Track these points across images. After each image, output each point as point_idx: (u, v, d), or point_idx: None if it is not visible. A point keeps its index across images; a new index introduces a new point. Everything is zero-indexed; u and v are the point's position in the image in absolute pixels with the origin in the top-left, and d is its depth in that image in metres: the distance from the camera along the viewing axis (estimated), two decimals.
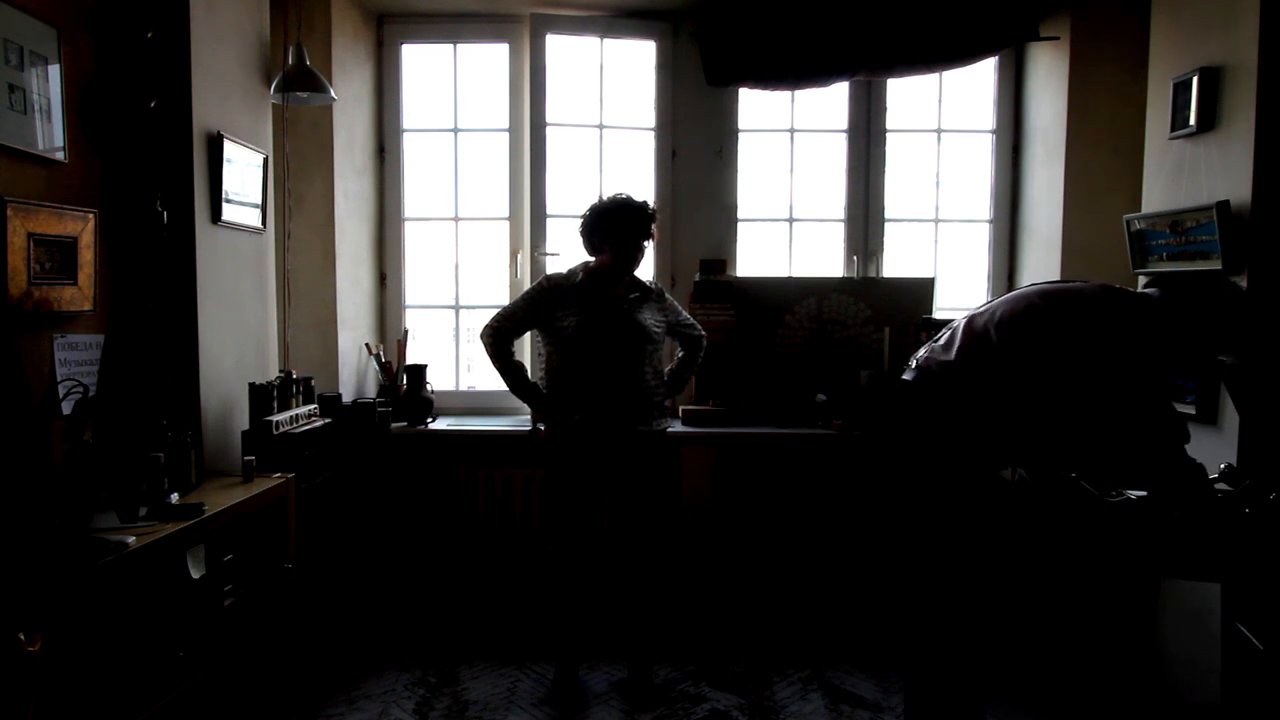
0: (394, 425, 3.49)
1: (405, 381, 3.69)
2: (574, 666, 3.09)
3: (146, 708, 1.96)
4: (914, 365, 2.40)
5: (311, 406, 3.01)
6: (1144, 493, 2.29)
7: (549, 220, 3.81)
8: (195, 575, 2.20)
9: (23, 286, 2.05)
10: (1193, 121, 2.70)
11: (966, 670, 2.35)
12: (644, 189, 3.83)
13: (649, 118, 3.86)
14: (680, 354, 3.18)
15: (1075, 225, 3.50)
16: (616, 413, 2.91)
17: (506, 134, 3.89)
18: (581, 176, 3.83)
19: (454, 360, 4.05)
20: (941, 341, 2.36)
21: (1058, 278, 3.47)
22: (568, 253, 3.75)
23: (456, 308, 4.02)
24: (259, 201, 2.94)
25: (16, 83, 2.05)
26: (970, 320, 2.33)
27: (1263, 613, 2.07)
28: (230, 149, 2.70)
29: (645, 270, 3.35)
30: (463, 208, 3.96)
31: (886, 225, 3.93)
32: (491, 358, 2.99)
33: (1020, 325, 2.22)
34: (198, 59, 2.56)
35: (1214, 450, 2.55)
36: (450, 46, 3.89)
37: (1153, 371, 2.19)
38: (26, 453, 2.05)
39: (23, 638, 1.55)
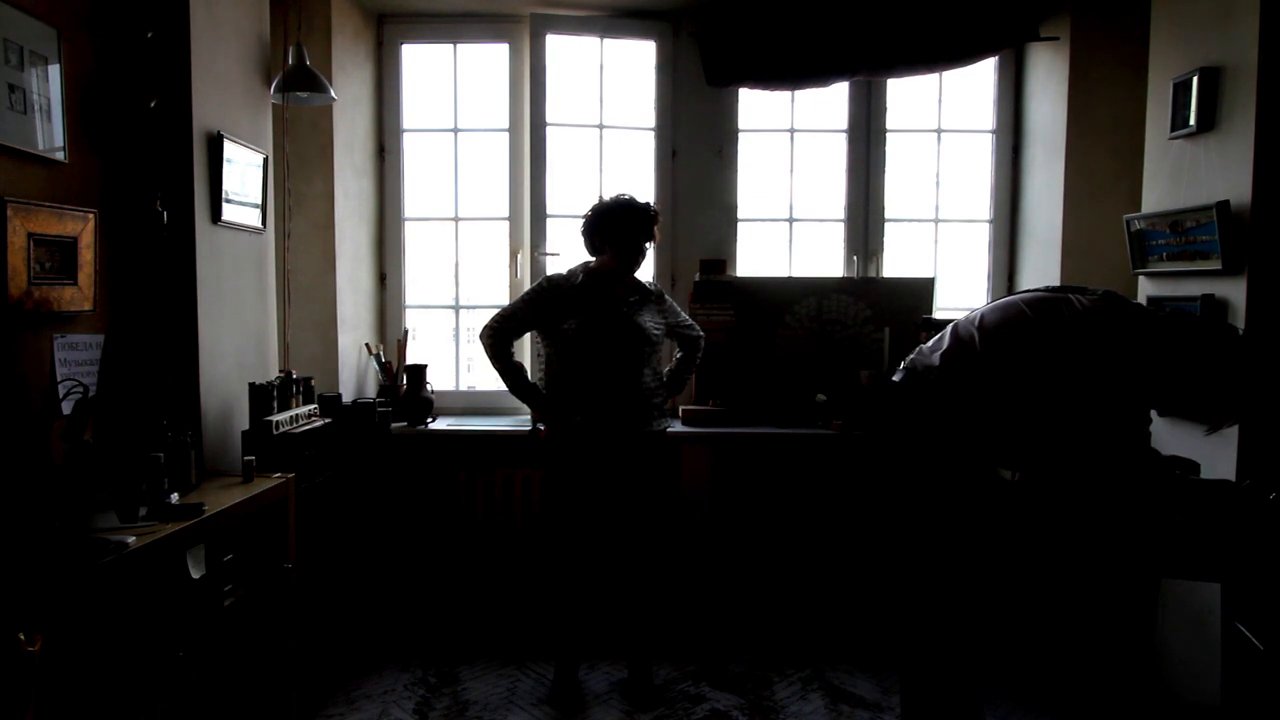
0: (394, 425, 3.49)
1: (405, 381, 3.69)
2: (574, 666, 3.09)
3: (146, 708, 1.96)
4: (902, 367, 2.40)
5: (311, 406, 3.01)
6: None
7: (549, 220, 3.81)
8: (195, 575, 2.19)
9: (23, 286, 2.05)
10: (1193, 121, 2.70)
11: (960, 670, 2.35)
12: (644, 189, 3.83)
13: (649, 118, 3.86)
14: (679, 354, 3.18)
15: (1075, 225, 3.50)
16: (616, 414, 2.91)
17: (506, 134, 3.89)
18: (581, 176, 3.83)
19: (454, 360, 4.05)
20: (929, 345, 2.36)
21: (1057, 278, 3.47)
22: (568, 253, 3.75)
23: (456, 308, 4.02)
24: (259, 201, 2.94)
25: (16, 83, 2.05)
26: (958, 325, 2.31)
27: (1263, 613, 2.07)
28: (230, 149, 2.70)
29: (646, 270, 3.35)
30: (463, 208, 3.96)
31: (886, 225, 3.93)
32: (491, 358, 2.99)
33: (1006, 333, 2.19)
34: (198, 59, 2.56)
35: (1214, 450, 2.55)
36: (450, 46, 3.89)
37: (1134, 400, 2.15)
38: (26, 453, 2.05)
39: (23, 638, 1.55)
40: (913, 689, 2.42)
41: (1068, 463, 2.19)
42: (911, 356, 2.39)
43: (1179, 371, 2.10)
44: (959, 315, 2.44)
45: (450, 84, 3.91)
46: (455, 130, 3.93)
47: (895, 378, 2.40)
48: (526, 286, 3.34)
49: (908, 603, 2.44)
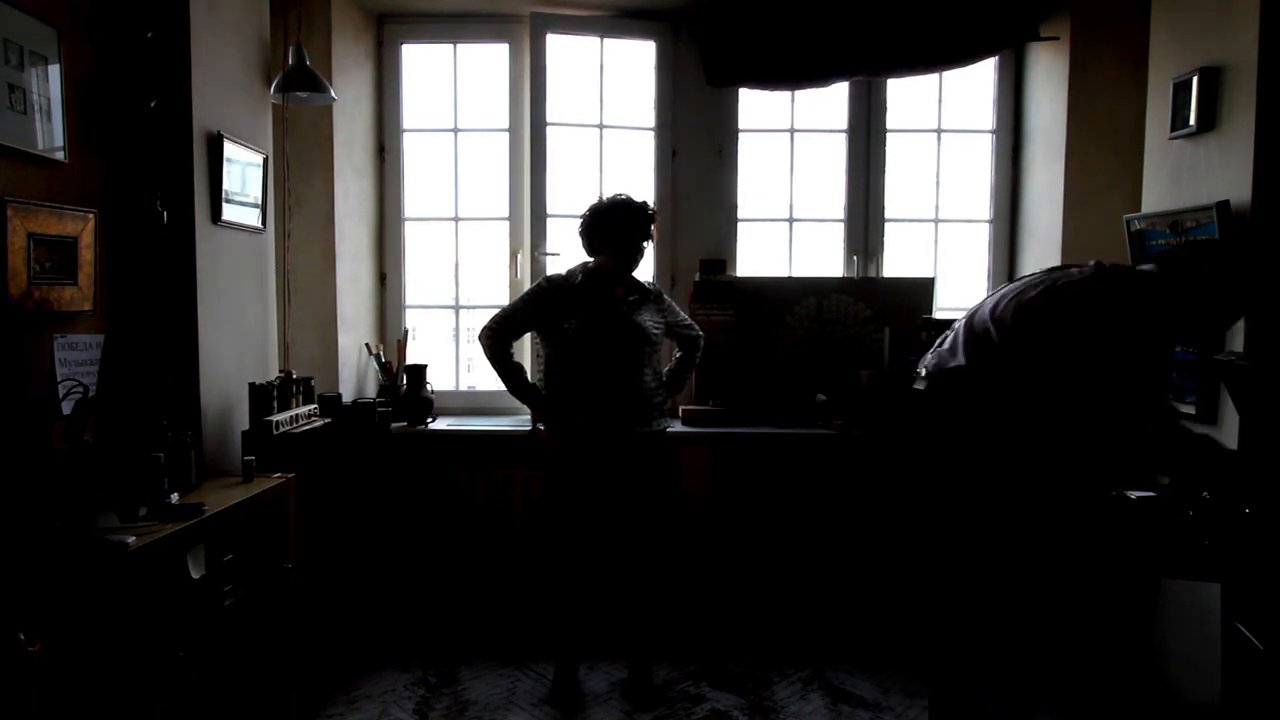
0: (394, 425, 3.49)
1: (405, 381, 3.69)
2: (574, 666, 3.09)
3: (146, 708, 1.96)
4: (924, 373, 2.36)
5: (311, 406, 3.01)
6: (1149, 492, 2.29)
7: (549, 220, 3.81)
8: (195, 575, 2.20)
9: (23, 286, 2.05)
10: (1193, 121, 2.70)
11: (1016, 680, 2.33)
12: (644, 189, 3.83)
13: (649, 118, 3.86)
14: (678, 354, 3.18)
15: (1075, 225, 3.50)
16: (616, 414, 2.91)
17: (506, 134, 3.89)
18: (581, 176, 3.83)
19: (454, 360, 4.05)
20: (946, 346, 2.33)
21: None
22: (568, 253, 3.75)
23: (456, 308, 4.02)
24: (259, 201, 2.94)
25: (16, 83, 2.05)
26: (970, 322, 2.30)
27: (1263, 613, 2.07)
28: (230, 149, 2.70)
29: (645, 270, 3.35)
30: (463, 208, 3.96)
31: (886, 225, 3.93)
32: (490, 359, 2.99)
33: (1022, 323, 2.18)
34: (198, 59, 2.56)
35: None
36: (450, 46, 3.89)
37: (1157, 347, 2.14)
38: (27, 453, 2.05)
39: (23, 638, 1.55)
40: (949, 699, 2.39)
41: (1100, 443, 2.17)
42: (931, 361, 2.35)
43: (1191, 300, 2.14)
44: (958, 315, 2.43)
45: (450, 84, 3.91)
46: (455, 130, 3.93)
47: (918, 386, 2.36)
48: (526, 286, 3.34)
49: (955, 613, 2.40)
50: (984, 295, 3.83)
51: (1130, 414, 2.13)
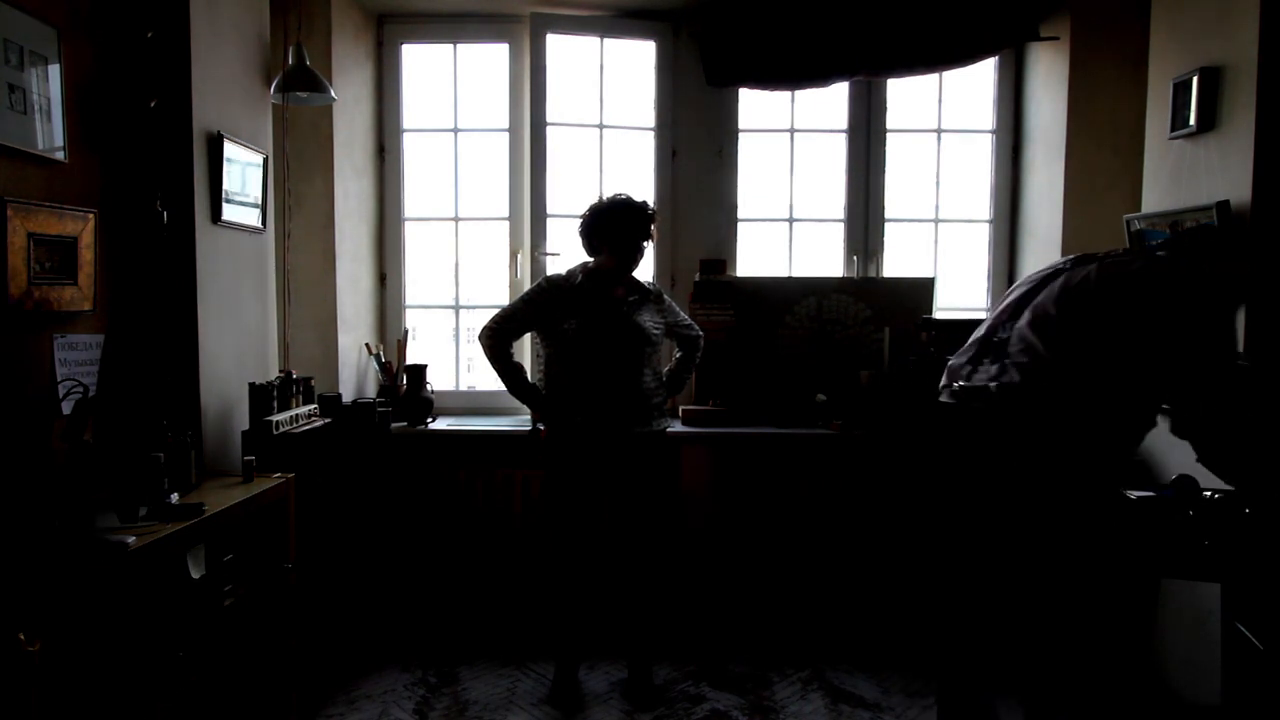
0: (394, 425, 3.49)
1: (405, 381, 3.69)
2: (574, 666, 3.09)
3: (146, 708, 1.96)
4: (993, 389, 2.23)
5: (311, 406, 3.01)
6: (1151, 493, 2.29)
7: (549, 220, 3.81)
8: (195, 575, 2.19)
9: (23, 286, 2.05)
10: (1193, 121, 2.70)
11: (1035, 684, 2.33)
12: (644, 189, 3.83)
13: (649, 118, 3.86)
14: (678, 354, 3.18)
15: (1075, 225, 3.50)
16: (616, 414, 2.91)
17: (506, 134, 3.89)
18: (581, 176, 3.83)
19: (454, 360, 4.05)
20: (1019, 359, 2.21)
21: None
22: (568, 253, 3.75)
23: (456, 308, 4.02)
24: (259, 201, 2.94)
25: (16, 83, 2.05)
26: (1031, 329, 2.21)
27: (1263, 613, 2.07)
28: (230, 149, 2.70)
29: (645, 270, 3.35)
30: (463, 208, 3.96)
31: (886, 225, 3.93)
32: (490, 359, 2.99)
33: (1109, 305, 2.13)
34: (198, 59, 2.56)
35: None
36: (450, 46, 3.89)
37: (1221, 324, 2.13)
38: (27, 453, 2.05)
39: (23, 638, 1.55)
40: (956, 700, 2.39)
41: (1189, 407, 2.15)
42: (984, 376, 2.27)
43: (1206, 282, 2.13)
44: (959, 316, 2.41)
45: (450, 84, 3.91)
46: (455, 130, 3.93)
47: (975, 403, 2.28)
48: (526, 286, 3.34)
49: (965, 613, 2.38)
50: (985, 295, 3.90)
51: (1204, 395, 2.10)
